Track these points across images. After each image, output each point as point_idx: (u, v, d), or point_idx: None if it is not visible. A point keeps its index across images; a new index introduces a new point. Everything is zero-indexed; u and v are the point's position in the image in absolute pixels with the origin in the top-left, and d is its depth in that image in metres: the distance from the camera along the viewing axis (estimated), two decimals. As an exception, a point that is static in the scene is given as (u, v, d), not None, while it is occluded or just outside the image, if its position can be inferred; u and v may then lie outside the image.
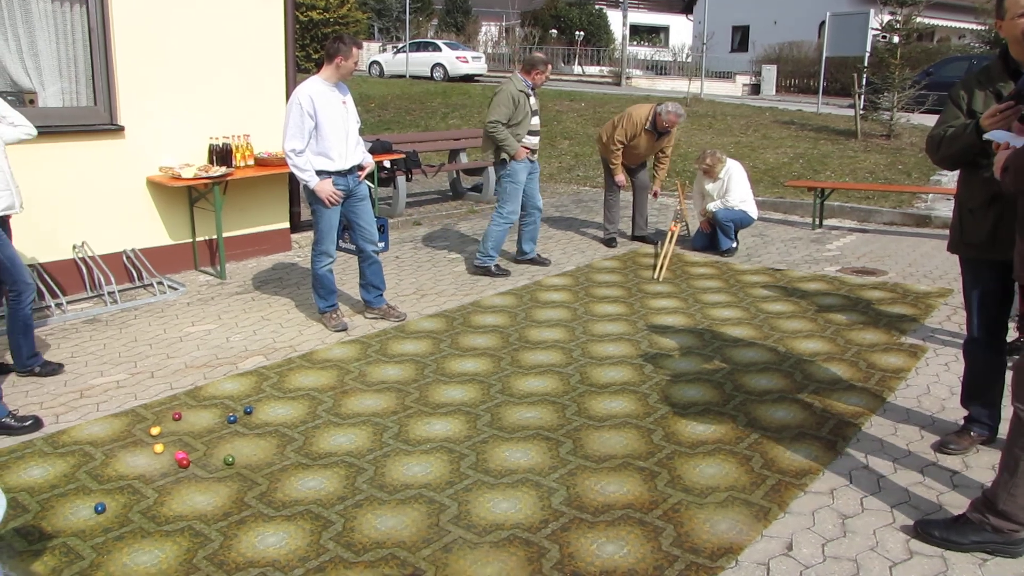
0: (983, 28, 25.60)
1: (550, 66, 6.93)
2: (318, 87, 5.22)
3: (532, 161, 7.04)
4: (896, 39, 14.45)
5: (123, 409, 4.30)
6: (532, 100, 6.89)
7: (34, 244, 5.88)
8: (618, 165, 7.90)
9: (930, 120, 3.89)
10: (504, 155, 6.80)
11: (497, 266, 7.03)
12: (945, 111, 3.62)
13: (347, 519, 3.27)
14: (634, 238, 8.29)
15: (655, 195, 8.08)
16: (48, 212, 5.93)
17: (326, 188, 5.28)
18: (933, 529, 3.13)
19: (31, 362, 4.74)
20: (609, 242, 8.13)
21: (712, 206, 7.61)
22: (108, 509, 3.33)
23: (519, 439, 3.96)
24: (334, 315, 5.60)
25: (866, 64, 15.95)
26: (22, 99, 5.91)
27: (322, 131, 5.23)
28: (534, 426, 4.10)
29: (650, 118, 7.70)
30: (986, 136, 3.19)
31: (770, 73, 28.07)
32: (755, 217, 7.79)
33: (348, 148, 5.38)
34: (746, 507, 3.36)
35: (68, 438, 3.96)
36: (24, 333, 4.66)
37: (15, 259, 4.51)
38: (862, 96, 14.43)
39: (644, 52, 37.42)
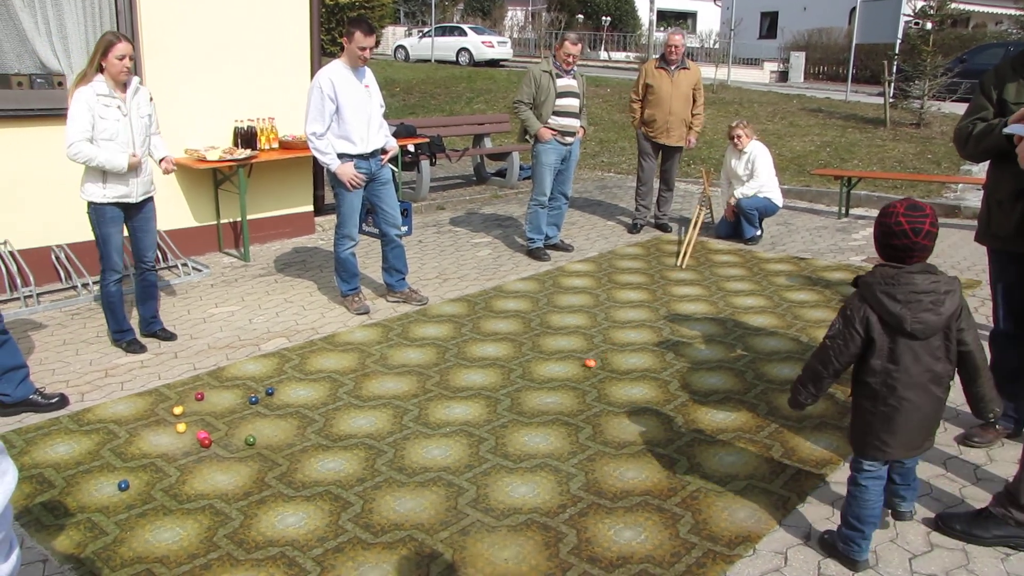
0: (1022, 14, 25.10)
1: (567, 42, 6.67)
2: (338, 71, 5.23)
3: (565, 144, 6.89)
4: (929, 25, 14.21)
5: (147, 388, 4.35)
6: (561, 81, 6.73)
7: (61, 225, 5.95)
8: (636, 116, 7.89)
9: (962, 108, 3.80)
10: (528, 135, 6.83)
11: (540, 248, 7.10)
12: (974, 100, 3.55)
13: (366, 500, 3.30)
14: (655, 226, 8.25)
15: (688, 143, 7.90)
16: (75, 193, 5.98)
17: (347, 171, 5.30)
18: (955, 522, 3.10)
19: (116, 337, 4.92)
20: (634, 228, 8.09)
21: (738, 192, 7.55)
22: (131, 486, 3.38)
23: (538, 424, 3.96)
24: (356, 298, 5.63)
25: (897, 51, 15.70)
26: (51, 81, 5.97)
27: (343, 114, 5.23)
28: (554, 411, 4.10)
29: (660, 55, 7.76)
30: (1005, 131, 3.14)
31: (799, 60, 27.74)
32: (780, 205, 7.73)
33: (370, 132, 5.39)
34: (765, 496, 3.34)
35: (93, 416, 4.02)
36: (108, 309, 4.85)
37: (109, 239, 4.68)
38: (892, 84, 14.23)
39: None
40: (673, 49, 7.54)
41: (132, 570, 2.86)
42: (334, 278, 5.82)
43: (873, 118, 14.55)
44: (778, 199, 7.66)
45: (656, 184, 8.18)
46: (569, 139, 6.89)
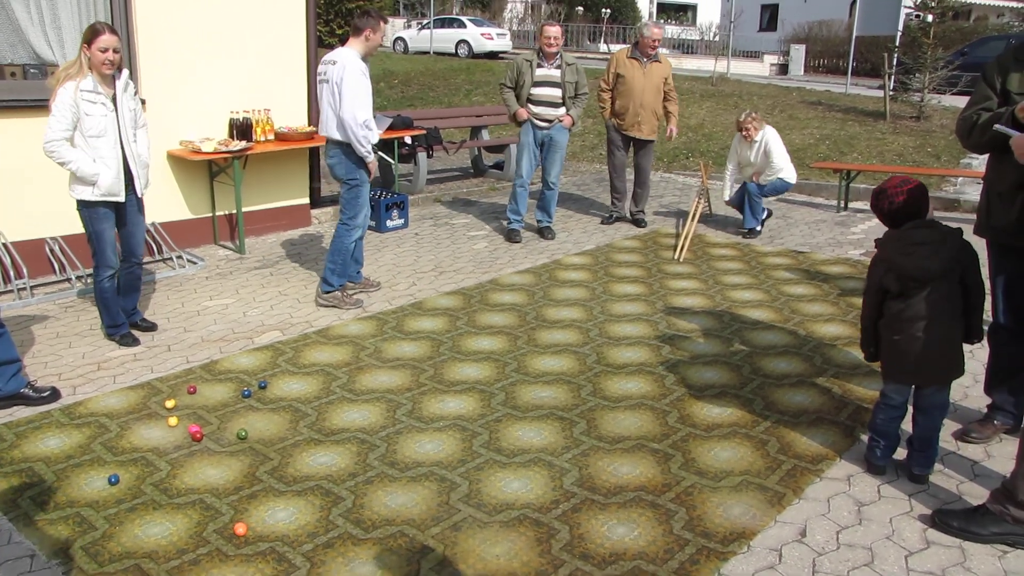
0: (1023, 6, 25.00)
1: (546, 26, 7.01)
2: (360, 59, 5.21)
3: (540, 128, 7.11)
4: (930, 18, 14.14)
5: (139, 382, 4.32)
6: (540, 71, 6.97)
7: (55, 217, 5.91)
8: (606, 107, 7.73)
9: (962, 102, 3.78)
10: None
11: (515, 231, 7.34)
12: (976, 90, 3.51)
13: (357, 495, 3.27)
14: (631, 221, 8.03)
15: (669, 136, 7.77)
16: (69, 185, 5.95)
17: (375, 159, 5.41)
18: (952, 519, 3.07)
19: (110, 332, 4.89)
20: (608, 219, 8.00)
21: (753, 185, 7.49)
22: (121, 480, 3.35)
23: (533, 418, 3.93)
24: (347, 293, 5.57)
25: (897, 44, 15.61)
26: (44, 71, 5.91)
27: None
28: (548, 406, 4.07)
29: (632, 44, 7.69)
30: (996, 127, 3.14)
31: (799, 53, 27.63)
32: (793, 182, 7.67)
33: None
34: (760, 492, 3.31)
35: (84, 409, 3.99)
36: (102, 304, 4.81)
37: (102, 236, 4.62)
38: (892, 77, 14.16)
39: (671, 30, 36.93)
40: (653, 42, 7.47)
41: (120, 565, 2.83)
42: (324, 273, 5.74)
43: (873, 111, 14.49)
44: (791, 176, 7.61)
45: (630, 179, 8.09)
46: (543, 124, 7.08)
